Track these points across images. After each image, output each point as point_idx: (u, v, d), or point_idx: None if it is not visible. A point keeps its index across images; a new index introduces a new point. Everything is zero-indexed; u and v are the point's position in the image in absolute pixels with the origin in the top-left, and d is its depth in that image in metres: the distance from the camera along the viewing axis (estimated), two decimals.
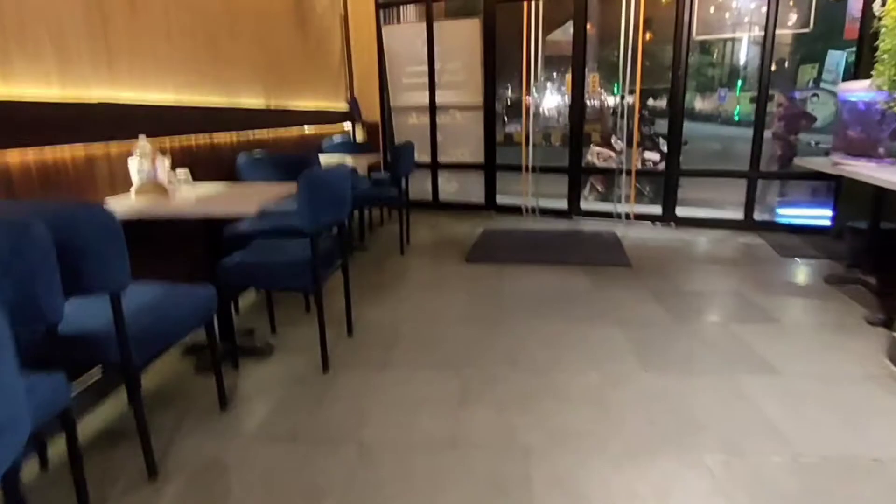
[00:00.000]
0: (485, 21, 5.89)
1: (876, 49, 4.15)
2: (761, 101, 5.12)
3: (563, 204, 6.01)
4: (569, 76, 5.71)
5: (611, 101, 8.28)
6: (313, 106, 5.13)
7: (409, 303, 3.47)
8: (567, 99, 5.80)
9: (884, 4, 2.99)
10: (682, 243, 4.88)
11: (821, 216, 5.21)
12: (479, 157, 6.26)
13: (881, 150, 3.22)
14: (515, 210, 6.18)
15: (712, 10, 5.73)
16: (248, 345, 2.74)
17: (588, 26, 5.63)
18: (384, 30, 6.35)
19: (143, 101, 2.75)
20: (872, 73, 3.02)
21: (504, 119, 8.35)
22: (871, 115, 3.23)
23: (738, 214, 5.40)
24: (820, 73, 7.84)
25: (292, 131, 4.63)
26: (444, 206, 6.51)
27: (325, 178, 2.41)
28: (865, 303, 3.33)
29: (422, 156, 6.47)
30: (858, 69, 4.69)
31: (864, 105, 3.35)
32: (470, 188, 6.42)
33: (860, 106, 3.39)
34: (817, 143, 6.66)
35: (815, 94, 6.61)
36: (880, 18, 3.03)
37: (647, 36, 5.33)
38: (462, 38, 6.09)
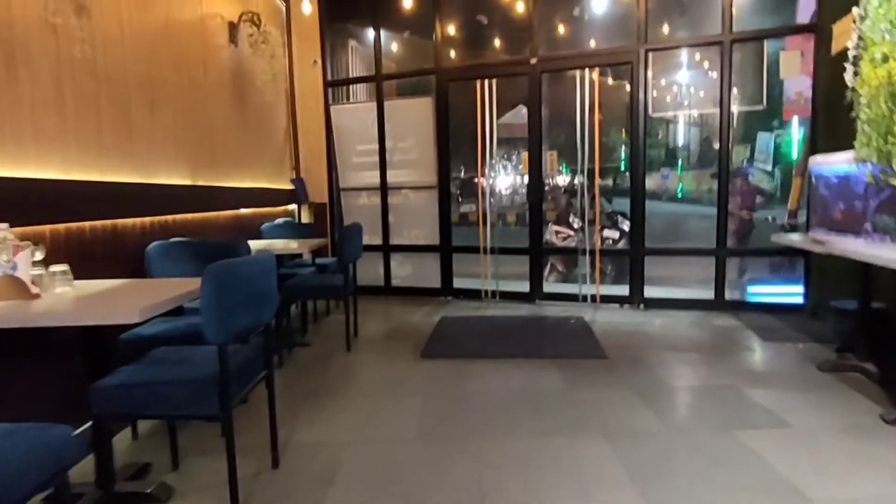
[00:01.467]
0: (437, 99, 5.69)
1: (835, 122, 4.07)
2: (723, 178, 4.98)
3: (524, 286, 5.62)
4: (525, 154, 5.49)
5: (567, 180, 8.18)
6: (252, 185, 4.68)
7: (354, 415, 2.89)
8: (524, 178, 5.56)
9: (857, 75, 2.84)
10: (655, 328, 4.50)
11: (790, 293, 4.97)
12: (434, 239, 5.87)
13: (867, 226, 2.97)
14: (474, 294, 5.74)
15: (655, 93, 5.72)
16: (135, 491, 2.08)
17: (542, 107, 5.50)
18: (333, 108, 6.08)
19: (15, 175, 2.23)
20: (855, 143, 2.80)
21: (459, 199, 8.11)
22: (854, 189, 3.00)
23: (708, 294, 5.11)
24: (752, 152, 8.03)
25: (225, 214, 4.13)
26: (398, 292, 6.02)
27: (239, 272, 1.90)
28: (871, 395, 2.96)
29: (373, 238, 6.05)
30: (815, 144, 4.61)
31: (842, 179, 3.14)
32: (425, 272, 5.98)
33: (836, 180, 3.18)
34: (774, 219, 6.61)
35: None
36: (854, 89, 2.87)
37: (598, 117, 5.21)
38: (414, 116, 5.86)
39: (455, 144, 5.84)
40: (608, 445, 2.46)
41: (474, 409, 2.92)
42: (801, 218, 5.90)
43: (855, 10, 2.86)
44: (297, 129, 5.86)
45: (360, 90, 6.54)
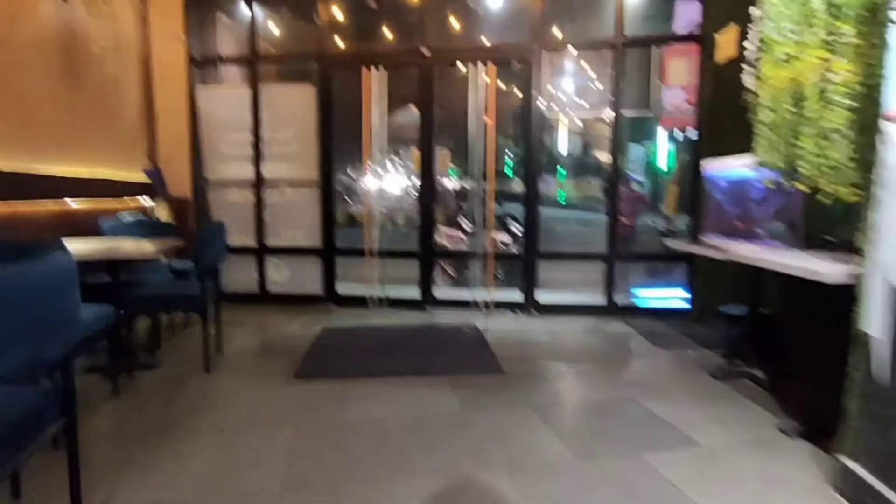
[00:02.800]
0: (321, 88, 5.16)
1: (719, 128, 4.12)
2: (613, 183, 4.94)
3: (414, 292, 5.25)
4: (416, 152, 5.12)
5: (459, 182, 7.95)
6: (87, 173, 3.86)
7: (205, 461, 2.32)
8: (414, 177, 5.18)
9: (758, 77, 2.78)
10: (550, 336, 4.32)
11: (674, 297, 5.05)
12: (316, 241, 5.32)
13: (761, 232, 2.93)
14: (360, 301, 5.26)
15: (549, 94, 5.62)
16: None
17: (435, 104, 5.17)
18: (200, 90, 5.31)
19: None
20: (754, 147, 2.73)
21: (345, 198, 7.56)
22: (749, 194, 2.95)
23: (599, 299, 5.06)
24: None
25: (45, 208, 3.32)
26: (275, 299, 5.38)
27: (5, 285, 1.31)
28: (764, 403, 2.92)
29: (246, 239, 5.37)
30: (700, 150, 4.69)
31: (737, 184, 3.09)
32: (305, 277, 5.40)
33: (730, 185, 3.14)
34: (656, 224, 6.81)
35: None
36: (753, 91, 2.81)
37: (493, 116, 4.98)
38: (295, 105, 5.27)
39: (340, 138, 5.33)
40: (512, 482, 2.13)
41: (356, 443, 2.47)
42: (681, 224, 6.12)
43: (754, 10, 2.80)
44: (153, 111, 5.04)
45: (233, 73, 5.81)
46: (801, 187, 2.30)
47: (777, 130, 2.49)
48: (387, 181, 6.37)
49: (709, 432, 2.60)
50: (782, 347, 3.40)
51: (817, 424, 2.54)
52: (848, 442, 2.05)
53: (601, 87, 4.86)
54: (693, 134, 5.77)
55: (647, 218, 7.28)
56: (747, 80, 2.85)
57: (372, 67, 5.08)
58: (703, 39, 4.58)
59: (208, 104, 5.31)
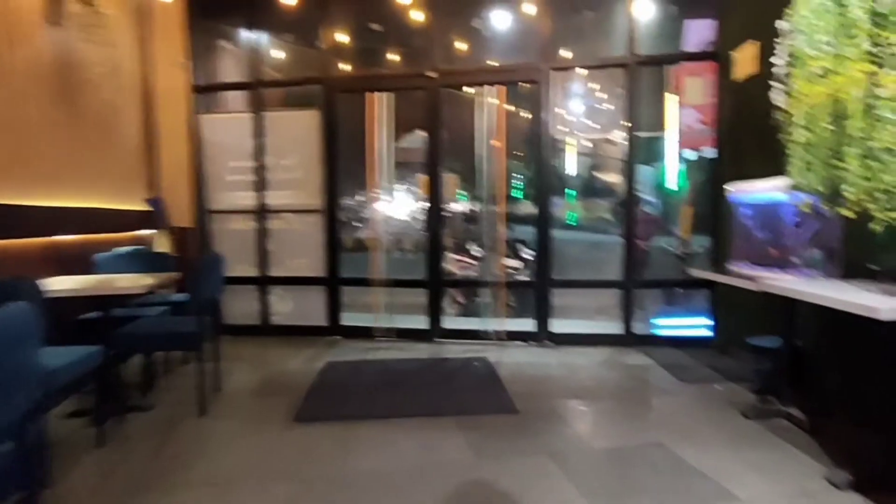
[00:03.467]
0: (325, 113, 5.03)
1: (740, 149, 3.92)
2: (630, 206, 4.74)
3: (422, 323, 5.03)
4: (423, 177, 4.96)
5: (468, 206, 7.78)
6: (82, 204, 3.73)
7: None
8: (422, 203, 5.01)
9: (789, 94, 2.59)
10: (566, 370, 4.08)
11: (696, 325, 4.80)
12: (320, 270, 5.13)
13: (796, 260, 2.70)
14: (365, 332, 5.05)
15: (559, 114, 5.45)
16: None
17: (442, 126, 5.03)
18: (202, 118, 5.21)
19: None
20: (789, 169, 2.53)
21: (351, 225, 7.40)
22: (783, 219, 2.74)
23: (616, 328, 4.82)
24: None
25: (32, 242, 3.17)
26: (277, 331, 5.18)
27: None
28: (806, 448, 2.66)
29: (248, 269, 5.20)
30: (718, 171, 4.49)
31: (767, 209, 2.88)
32: (309, 308, 5.20)
33: (761, 209, 2.93)
34: (672, 248, 6.57)
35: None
36: (783, 109, 2.62)
37: (502, 138, 4.82)
38: (299, 130, 5.15)
39: (345, 164, 5.19)
40: None
41: (361, 498, 2.24)
42: (696, 247, 5.89)
43: (782, 24, 2.62)
44: (155, 138, 4.93)
45: (235, 99, 5.72)
46: (847, 213, 2.09)
47: (814, 151, 2.30)
48: (393, 207, 6.22)
49: (747, 483, 2.35)
50: (820, 384, 3.15)
51: (870, 475, 2.29)
52: None
53: (612, 108, 4.69)
54: (709, 154, 5.57)
55: (662, 240, 7.06)
56: (776, 97, 2.66)
57: (377, 92, 4.95)
58: (719, 57, 4.41)
59: (211, 131, 5.20)
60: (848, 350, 2.89)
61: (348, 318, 5.20)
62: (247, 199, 5.20)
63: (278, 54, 5.90)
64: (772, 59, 2.73)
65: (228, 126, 5.22)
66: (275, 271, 5.25)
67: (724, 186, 3.34)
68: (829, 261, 2.65)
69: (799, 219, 2.67)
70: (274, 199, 5.21)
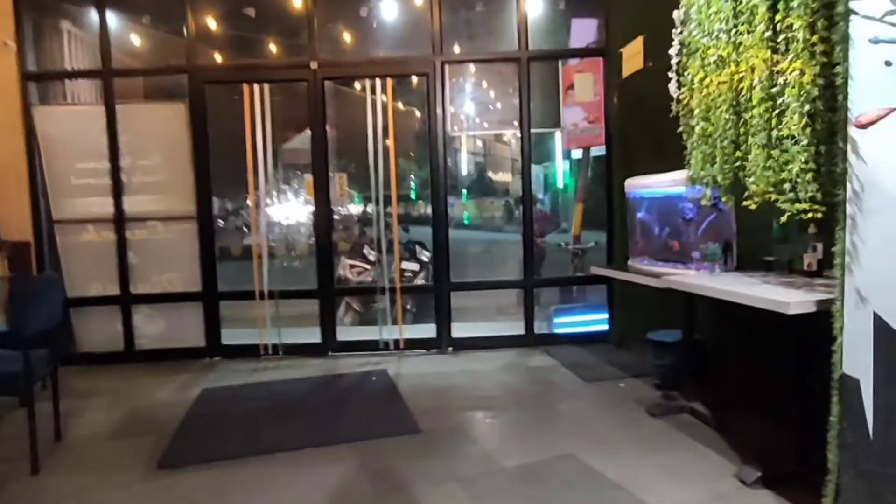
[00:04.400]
0: (193, 106, 4.45)
1: (628, 145, 3.93)
2: (526, 203, 4.65)
3: (314, 336, 4.61)
4: (310, 178, 4.54)
5: (360, 208, 7.41)
6: None
7: None
8: (311, 206, 4.58)
9: (680, 87, 2.53)
10: (469, 378, 3.87)
11: (593, 321, 4.82)
12: (195, 284, 4.54)
13: (695, 254, 2.67)
14: (251, 351, 4.54)
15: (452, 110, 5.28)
16: None
17: (329, 124, 4.65)
18: (37, 110, 4.42)
19: None
20: (689, 162, 2.46)
21: (238, 231, 6.72)
22: (681, 214, 2.69)
23: (516, 328, 4.70)
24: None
25: None
26: (146, 357, 4.50)
27: None
28: (713, 444, 2.62)
29: (107, 286, 4.50)
30: (609, 168, 4.52)
31: (664, 203, 2.83)
32: (184, 327, 4.59)
33: (659, 204, 2.88)
34: (567, 244, 6.61)
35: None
36: (680, 101, 2.55)
37: (392, 134, 4.53)
38: (162, 127, 4.53)
39: (220, 164, 4.64)
40: None
41: None
42: (589, 243, 5.97)
43: (676, 13, 2.56)
44: None
45: (86, 90, 4.94)
46: (750, 204, 2.02)
47: (714, 142, 2.23)
48: (280, 211, 5.71)
49: (663, 492, 2.23)
50: (721, 377, 3.18)
51: (778, 470, 2.26)
52: (833, 500, 1.74)
53: (504, 105, 4.57)
54: (598, 152, 5.64)
55: (555, 237, 7.14)
56: (673, 89, 2.60)
57: (254, 84, 4.46)
58: (607, 53, 4.42)
59: (50, 126, 4.42)
60: (747, 342, 2.91)
61: (230, 336, 4.66)
62: (101, 205, 4.49)
63: (136, 40, 5.18)
64: (659, 53, 2.67)
65: (74, 120, 4.47)
66: (140, 288, 4.57)
67: (625, 181, 3.27)
68: (726, 254, 2.63)
69: (696, 212, 2.63)
70: (135, 205, 4.53)
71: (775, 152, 1.84)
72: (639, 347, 4.12)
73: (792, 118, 1.74)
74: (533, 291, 4.66)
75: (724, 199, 2.27)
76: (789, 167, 1.76)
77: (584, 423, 2.99)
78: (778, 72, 1.83)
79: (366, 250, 6.16)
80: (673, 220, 2.78)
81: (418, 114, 4.67)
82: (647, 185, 2.97)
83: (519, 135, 4.52)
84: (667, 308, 3.48)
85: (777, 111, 1.84)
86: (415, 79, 5.27)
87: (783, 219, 1.86)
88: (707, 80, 2.25)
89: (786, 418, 2.36)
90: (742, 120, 2.06)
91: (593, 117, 4.95)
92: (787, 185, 1.80)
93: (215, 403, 3.47)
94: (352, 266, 6.26)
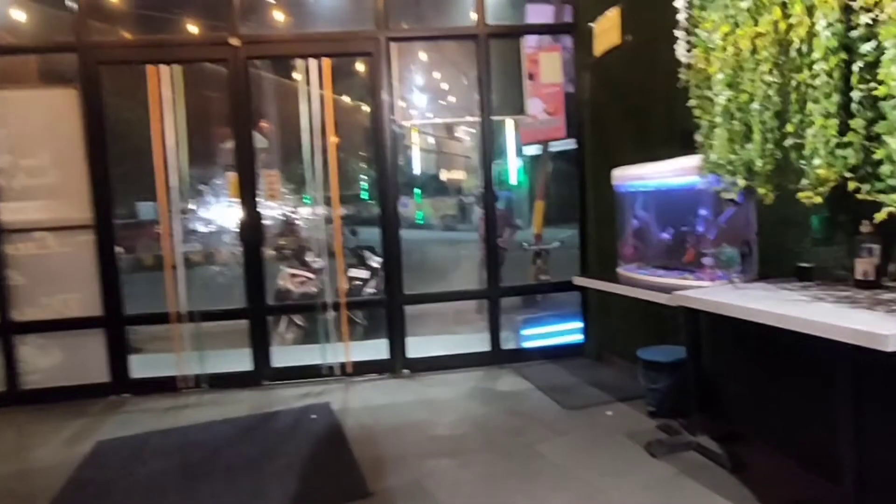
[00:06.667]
0: (86, 92, 3.67)
1: (606, 130, 3.40)
2: (488, 202, 4.07)
3: (245, 362, 3.90)
4: (232, 176, 3.83)
5: (303, 210, 6.67)
6: None
7: None
8: (239, 208, 3.86)
9: (691, 49, 1.99)
10: (429, 410, 3.27)
11: (566, 331, 4.30)
12: (95, 307, 3.76)
13: (708, 260, 2.14)
14: (166, 385, 3.80)
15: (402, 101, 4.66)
16: None
17: (265, 123, 3.93)
18: None
19: None
20: (700, 148, 1.93)
21: (141, 241, 5.85)
22: (692, 210, 2.16)
23: (481, 342, 4.12)
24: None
25: None
26: (32, 399, 3.69)
27: None
28: (732, 493, 2.12)
29: None
30: (583, 159, 4.00)
31: (669, 196, 2.30)
32: (83, 359, 3.80)
33: (660, 198, 2.34)
34: (528, 245, 6.10)
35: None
36: (691, 67, 2.02)
37: (332, 121, 3.88)
38: (48, 118, 3.73)
39: (122, 162, 3.87)
40: None
41: None
42: (553, 242, 5.48)
43: None
44: None
45: None
46: (811, 198, 1.50)
47: (746, 116, 1.70)
48: (197, 215, 4.94)
49: None
50: (726, 402, 2.68)
51: None
52: None
53: (460, 91, 3.98)
54: (561, 145, 5.17)
55: (517, 237, 6.65)
56: (680, 51, 2.06)
57: (161, 65, 3.71)
58: (575, 30, 3.90)
59: None
60: (758, 362, 2.42)
61: (142, 366, 3.91)
62: None
63: (17, 14, 4.32)
64: (639, 26, 2.13)
65: None
66: (27, 314, 3.76)
67: (611, 172, 2.73)
68: (746, 259, 2.12)
69: (708, 209, 2.11)
70: (18, 213, 3.72)
71: (857, 121, 1.32)
72: (621, 362, 3.63)
73: (890, 69, 1.21)
74: (499, 302, 4.08)
75: (762, 190, 1.75)
76: (889, 142, 1.23)
77: (572, 470, 2.44)
78: (863, 7, 1.30)
79: (309, 257, 5.48)
80: (678, 218, 2.25)
81: (367, 108, 4.03)
82: (643, 177, 2.42)
83: (479, 122, 3.93)
84: (654, 316, 2.99)
85: (862, 62, 1.31)
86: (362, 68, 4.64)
87: (880, 216, 1.34)
88: (734, 35, 1.72)
89: (816, 457, 1.87)
90: (795, 83, 1.53)
91: (553, 108, 4.46)
92: (886, 168, 1.26)
93: (110, 463, 2.73)
94: (293, 276, 5.58)
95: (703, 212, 2.16)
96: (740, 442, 2.45)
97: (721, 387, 2.66)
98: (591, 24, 3.63)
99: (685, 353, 2.66)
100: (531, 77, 4.20)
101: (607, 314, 3.86)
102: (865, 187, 1.34)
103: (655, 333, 3.12)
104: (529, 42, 4.25)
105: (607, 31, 3.47)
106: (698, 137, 2.01)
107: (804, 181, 1.51)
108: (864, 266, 1.77)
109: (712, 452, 2.40)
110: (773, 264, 2.16)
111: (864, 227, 1.76)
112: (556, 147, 5.68)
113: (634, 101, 3.14)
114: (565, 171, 6.08)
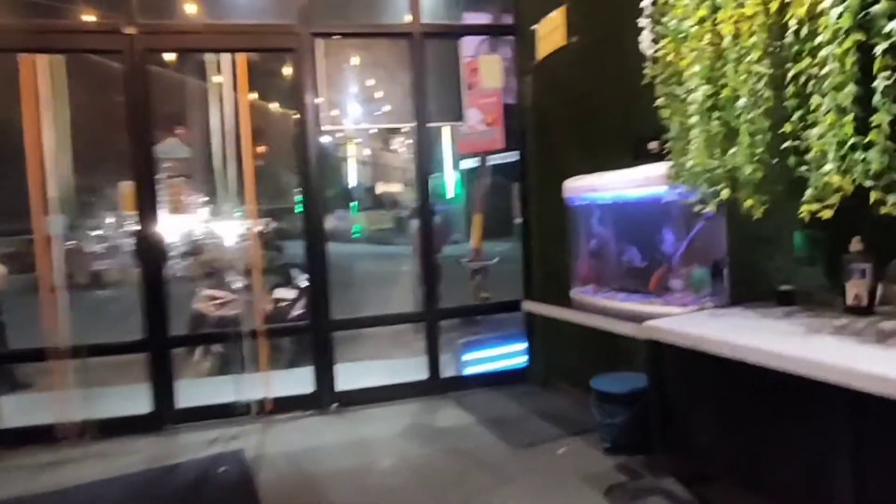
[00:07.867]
0: None
1: (552, 138, 3.15)
2: (424, 215, 3.73)
3: (143, 403, 3.33)
4: (126, 186, 3.29)
5: (218, 225, 6.11)
6: None
7: None
8: (138, 223, 3.31)
9: (656, 41, 1.74)
10: (361, 455, 2.85)
11: (508, 354, 4.00)
12: None
13: (675, 282, 1.88)
14: (43, 435, 3.17)
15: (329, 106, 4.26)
16: None
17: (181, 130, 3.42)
18: None
19: None
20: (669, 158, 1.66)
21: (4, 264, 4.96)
22: (659, 225, 1.89)
23: (417, 368, 3.75)
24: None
25: None
26: None
27: None
28: None
29: None
30: (526, 170, 3.74)
31: (630, 209, 2.03)
32: None
33: (621, 212, 2.07)
34: (466, 260, 5.80)
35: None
36: (656, 61, 1.76)
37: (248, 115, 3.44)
38: None
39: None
40: None
41: None
42: (493, 258, 5.23)
43: None
44: None
45: None
46: (822, 211, 1.24)
47: (731, 114, 1.44)
48: (83, 232, 4.30)
49: None
50: (689, 436, 2.43)
51: None
52: None
53: (394, 95, 3.64)
54: (497, 158, 4.95)
55: (450, 251, 6.37)
56: (645, 43, 1.80)
57: (37, 54, 3.14)
58: (517, 32, 3.65)
59: None
60: (727, 393, 2.18)
61: (15, 413, 3.28)
62: None
63: None
64: (587, 24, 1.86)
65: None
66: None
67: (563, 184, 2.44)
68: (717, 280, 1.87)
69: (679, 223, 1.85)
70: None
71: (881, 115, 1.08)
72: (570, 388, 3.35)
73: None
74: (437, 326, 3.73)
75: (749, 202, 1.48)
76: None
77: None
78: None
79: (229, 277, 4.96)
80: (640, 234, 1.99)
81: (294, 115, 3.60)
82: (600, 188, 2.14)
83: (415, 128, 3.60)
84: (607, 338, 2.71)
85: (886, 43, 1.07)
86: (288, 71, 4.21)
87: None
88: (710, 21, 1.46)
89: (798, 499, 1.63)
90: (793, 74, 1.28)
91: (491, 119, 4.21)
92: None
93: None
94: (211, 298, 5.05)
95: (669, 227, 1.91)
96: (710, 483, 2.19)
97: (686, 420, 2.41)
98: (533, 28, 3.38)
99: (644, 382, 2.41)
100: (470, 87, 3.93)
101: (555, 335, 3.57)
102: (892, 198, 1.09)
103: (608, 357, 2.85)
104: (468, 50, 3.99)
105: (551, 32, 3.23)
106: (668, 142, 1.75)
107: (809, 191, 1.25)
108: (855, 289, 1.55)
109: (679, 499, 2.14)
110: (746, 286, 1.92)
111: (854, 245, 1.54)
112: (494, 160, 5.46)
113: (583, 105, 2.90)
114: (504, 183, 5.87)
